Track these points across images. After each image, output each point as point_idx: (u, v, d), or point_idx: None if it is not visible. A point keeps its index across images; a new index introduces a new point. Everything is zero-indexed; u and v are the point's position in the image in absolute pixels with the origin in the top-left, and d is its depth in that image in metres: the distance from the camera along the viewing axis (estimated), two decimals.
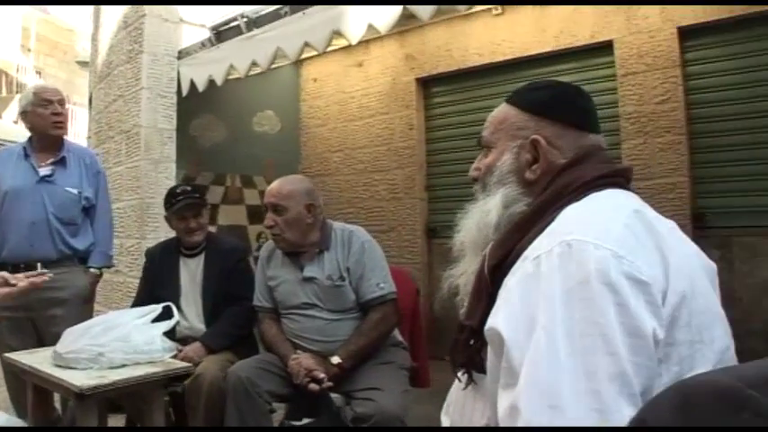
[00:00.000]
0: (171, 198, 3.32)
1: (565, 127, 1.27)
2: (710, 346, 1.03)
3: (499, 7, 5.11)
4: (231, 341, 3.10)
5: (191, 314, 3.23)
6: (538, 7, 4.98)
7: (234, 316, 3.16)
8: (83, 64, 15.05)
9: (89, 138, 6.30)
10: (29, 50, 20.48)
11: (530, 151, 1.27)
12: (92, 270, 3.42)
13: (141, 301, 3.28)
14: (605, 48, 4.76)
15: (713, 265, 1.19)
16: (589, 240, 0.98)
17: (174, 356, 2.74)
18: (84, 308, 3.36)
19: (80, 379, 2.28)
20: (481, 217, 1.29)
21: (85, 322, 2.67)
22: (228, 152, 5.83)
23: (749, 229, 4.16)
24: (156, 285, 3.32)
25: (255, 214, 6.01)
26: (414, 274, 3.02)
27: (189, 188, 3.42)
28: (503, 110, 1.36)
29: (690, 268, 1.07)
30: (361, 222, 5.61)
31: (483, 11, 5.15)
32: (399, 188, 5.75)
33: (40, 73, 20.20)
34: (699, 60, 4.45)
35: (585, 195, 1.15)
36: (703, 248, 1.19)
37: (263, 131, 6.22)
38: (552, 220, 1.11)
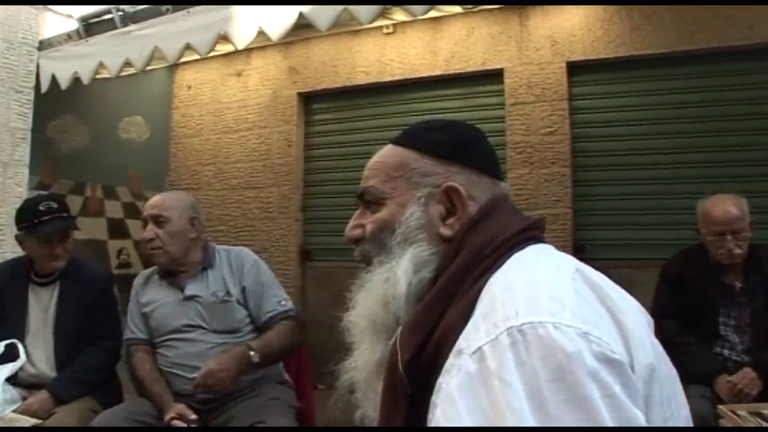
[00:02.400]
0: (32, 216, 2.86)
1: (478, 173, 1.15)
2: (678, 417, 0.92)
3: (390, 26, 5.22)
4: (86, 390, 2.85)
5: (38, 357, 2.90)
6: (430, 29, 5.20)
7: (92, 358, 2.91)
8: None
9: None
10: None
11: (442, 201, 1.12)
12: None
13: None
14: (495, 76, 5.05)
15: (649, 316, 1.04)
16: (545, 320, 0.80)
17: (16, 410, 2.49)
18: None
19: None
20: (386, 289, 1.10)
21: None
22: (90, 159, 5.56)
23: (625, 261, 4.44)
24: None
25: (117, 228, 5.73)
26: (298, 311, 2.89)
27: (55, 204, 2.93)
28: (395, 153, 1.19)
29: (643, 330, 0.91)
30: (231, 242, 5.62)
31: (374, 28, 5.29)
32: (274, 207, 5.76)
33: None
34: (585, 96, 4.87)
35: (508, 256, 1.00)
36: None
37: (130, 138, 5.98)
38: (476, 292, 0.94)
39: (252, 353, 2.51)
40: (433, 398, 0.86)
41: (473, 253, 1.01)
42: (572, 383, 0.74)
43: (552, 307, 0.81)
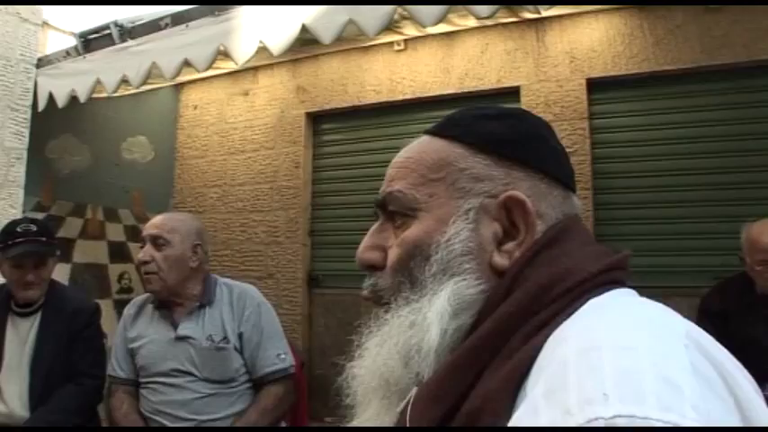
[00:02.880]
0: (7, 237, 2.74)
1: (549, 183, 0.84)
2: None
3: (402, 42, 5.07)
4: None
5: (11, 395, 2.73)
6: (443, 46, 4.99)
7: (70, 398, 2.73)
8: None
9: None
10: None
11: (498, 218, 0.81)
12: None
13: None
14: (512, 94, 4.82)
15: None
16: (653, 416, 0.50)
17: None
18: None
19: None
20: (409, 337, 0.79)
21: None
22: (91, 180, 5.44)
23: (649, 289, 3.93)
24: None
25: (118, 252, 5.56)
26: (297, 346, 2.68)
27: (34, 227, 2.80)
28: (434, 147, 0.87)
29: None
30: (236, 267, 5.48)
31: (384, 45, 5.16)
32: (280, 231, 5.54)
33: None
34: (606, 114, 4.64)
35: (580, 304, 0.69)
36: None
37: (133, 159, 5.86)
38: (531, 351, 0.66)
39: None
40: None
41: (533, 294, 0.71)
42: None
43: (664, 394, 0.51)
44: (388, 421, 0.80)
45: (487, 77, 4.82)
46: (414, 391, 0.75)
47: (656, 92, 4.36)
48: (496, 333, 0.70)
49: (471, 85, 4.88)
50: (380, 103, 5.23)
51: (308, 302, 5.37)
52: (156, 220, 2.61)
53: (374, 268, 0.88)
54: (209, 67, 3.92)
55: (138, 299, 2.72)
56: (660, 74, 4.30)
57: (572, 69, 4.55)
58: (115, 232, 5.60)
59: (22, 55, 4.57)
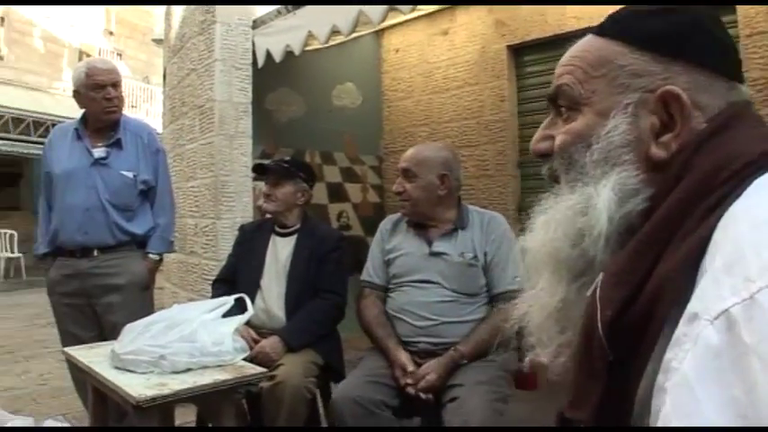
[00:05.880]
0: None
1: (709, 74, 0.84)
2: None
3: None
4: (312, 339, 2.92)
5: (271, 296, 3.06)
6: None
7: (317, 312, 3.00)
8: (158, 41, 15.38)
9: (164, 115, 6.25)
10: (111, 33, 21.18)
11: (656, 111, 0.83)
12: (150, 256, 3.31)
13: (224, 276, 3.27)
14: (727, 5, 4.29)
15: None
16: None
17: (246, 358, 2.49)
18: (142, 295, 3.29)
19: (137, 387, 2.08)
20: (575, 220, 0.86)
21: (146, 318, 2.46)
22: (307, 127, 5.73)
23: None
24: (241, 261, 3.21)
25: (336, 192, 5.89)
26: None
27: (287, 158, 3.40)
28: (596, 46, 0.91)
29: None
30: None
31: None
32: (490, 164, 5.51)
33: (120, 55, 20.95)
34: None
35: (748, 184, 0.71)
36: None
37: (343, 105, 6.08)
38: (707, 231, 0.68)
39: (464, 361, 2.51)
40: (660, 378, 0.64)
41: (702, 179, 0.74)
42: None
43: None
44: (558, 293, 0.87)
45: None
46: (600, 276, 0.79)
47: None
48: (671, 218, 0.74)
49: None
50: (582, 30, 5.00)
51: (521, 232, 5.46)
52: (407, 153, 2.79)
53: (545, 156, 0.96)
54: (414, 9, 4.03)
55: (393, 216, 2.93)
56: None
57: None
58: (332, 174, 5.87)
59: (239, 19, 4.80)
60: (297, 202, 3.15)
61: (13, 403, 4.30)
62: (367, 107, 6.30)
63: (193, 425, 3.21)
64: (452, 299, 2.63)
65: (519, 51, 5.49)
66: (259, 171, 3.24)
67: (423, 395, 2.44)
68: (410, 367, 2.49)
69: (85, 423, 3.35)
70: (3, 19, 17.72)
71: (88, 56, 18.38)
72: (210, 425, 2.93)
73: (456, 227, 2.72)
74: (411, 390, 2.46)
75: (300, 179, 3.16)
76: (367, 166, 6.31)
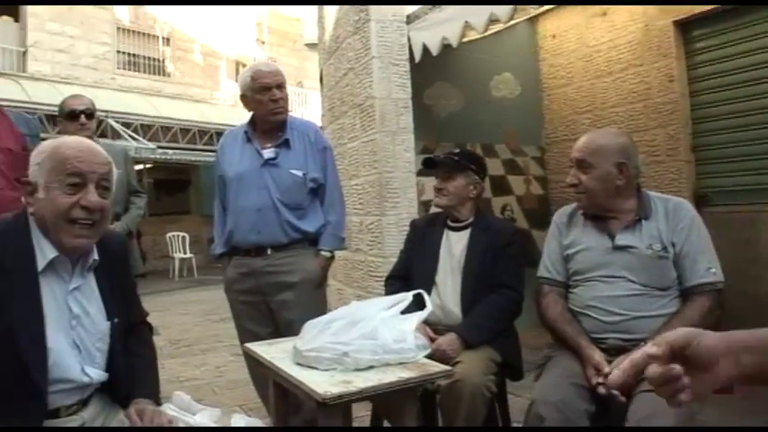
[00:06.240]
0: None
1: None
2: None
3: None
4: (489, 336, 2.81)
5: (446, 292, 2.97)
6: None
7: (495, 307, 2.87)
8: (311, 46, 15.92)
9: (323, 116, 6.40)
10: (263, 43, 22.12)
11: None
12: (322, 254, 3.32)
13: (397, 272, 3.23)
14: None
15: None
16: None
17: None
18: (315, 292, 3.30)
19: (322, 384, 2.07)
20: None
21: (326, 315, 2.46)
22: (466, 120, 5.67)
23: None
24: (414, 257, 3.17)
25: (499, 186, 5.82)
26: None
27: (456, 150, 3.23)
28: None
29: None
30: None
31: None
32: (660, 150, 5.20)
33: (274, 62, 21.86)
34: None
35: None
36: None
37: (502, 96, 6.00)
38: None
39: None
40: None
41: None
42: None
43: None
44: None
45: None
46: None
47: None
48: None
49: None
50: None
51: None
52: (580, 142, 2.58)
53: None
54: None
55: (566, 208, 2.76)
56: None
57: None
58: (494, 167, 5.73)
59: (393, 15, 4.77)
60: (469, 195, 3.07)
61: (195, 393, 4.50)
62: (526, 97, 6.16)
63: (365, 421, 3.22)
64: (642, 292, 2.45)
65: (687, 27, 5.14)
66: (429, 165, 3.18)
67: (615, 392, 2.30)
68: (605, 368, 2.35)
69: (261, 414, 3.45)
70: (168, 39, 18.98)
71: (244, 66, 19.38)
72: (385, 422, 2.91)
73: (639, 217, 2.54)
74: (602, 390, 2.32)
75: (471, 171, 3.09)
76: (529, 158, 6.17)
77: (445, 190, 3.04)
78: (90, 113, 3.94)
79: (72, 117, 3.89)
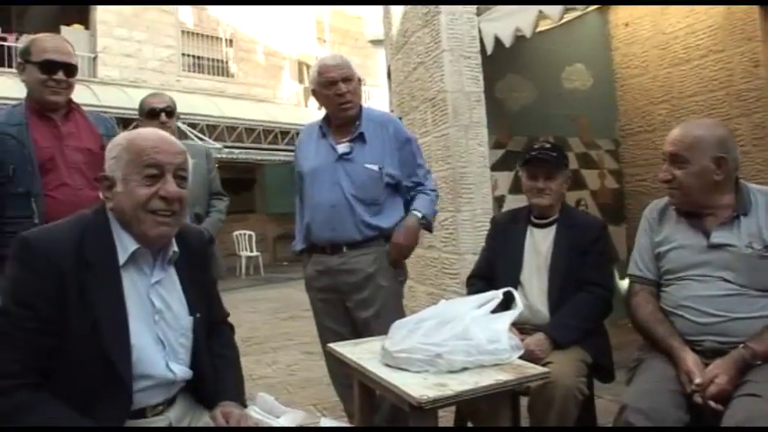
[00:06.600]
0: (526, 152, 3.05)
1: None
2: None
3: None
4: (579, 336, 2.70)
5: (532, 291, 2.88)
6: None
7: (583, 306, 2.77)
8: (376, 42, 15.96)
9: (391, 111, 6.30)
10: (324, 42, 22.22)
11: None
12: (414, 212, 3.22)
13: (479, 271, 3.14)
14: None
15: None
16: None
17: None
18: (392, 291, 3.21)
19: (416, 387, 1.99)
20: None
21: (415, 315, 2.37)
22: (538, 113, 5.55)
23: None
24: (497, 255, 3.06)
25: (573, 180, 5.60)
26: None
27: (547, 144, 3.05)
28: None
29: None
30: None
31: None
32: (746, 140, 4.92)
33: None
34: None
35: None
36: None
37: (574, 88, 5.84)
38: None
39: (758, 362, 2.14)
40: None
41: None
42: None
43: None
44: None
45: None
46: None
47: None
48: None
49: None
50: None
51: None
52: (673, 135, 2.43)
53: None
54: None
55: (658, 202, 2.60)
56: None
57: None
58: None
59: (463, 7, 4.69)
60: (563, 191, 2.97)
61: (268, 391, 4.48)
62: (599, 88, 5.97)
63: (446, 421, 3.12)
64: (740, 292, 2.28)
65: None
66: (532, 162, 2.97)
67: (713, 404, 2.13)
68: (698, 378, 2.18)
69: (337, 413, 3.42)
70: (231, 41, 19.26)
71: (307, 66, 19.55)
72: (469, 423, 2.81)
73: (737, 213, 2.36)
74: (698, 398, 2.16)
75: (565, 167, 2.97)
76: (603, 151, 5.99)
77: (548, 189, 2.93)
78: (170, 112, 3.96)
79: (152, 115, 3.91)
